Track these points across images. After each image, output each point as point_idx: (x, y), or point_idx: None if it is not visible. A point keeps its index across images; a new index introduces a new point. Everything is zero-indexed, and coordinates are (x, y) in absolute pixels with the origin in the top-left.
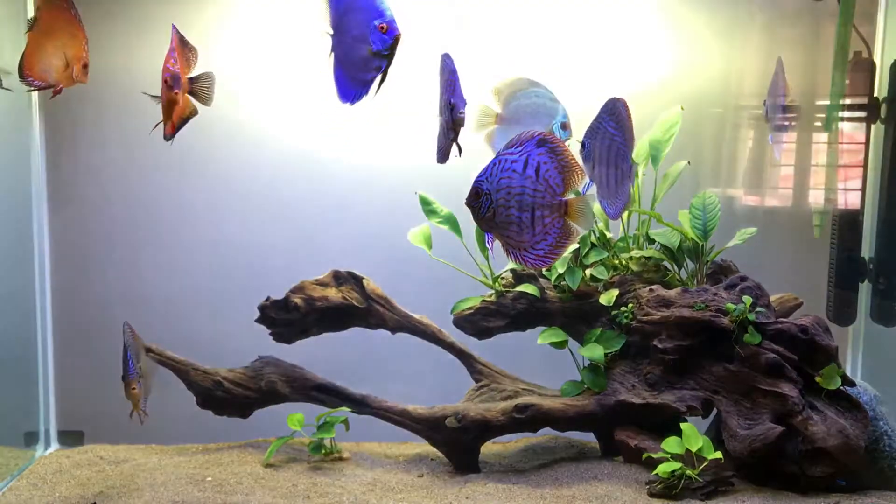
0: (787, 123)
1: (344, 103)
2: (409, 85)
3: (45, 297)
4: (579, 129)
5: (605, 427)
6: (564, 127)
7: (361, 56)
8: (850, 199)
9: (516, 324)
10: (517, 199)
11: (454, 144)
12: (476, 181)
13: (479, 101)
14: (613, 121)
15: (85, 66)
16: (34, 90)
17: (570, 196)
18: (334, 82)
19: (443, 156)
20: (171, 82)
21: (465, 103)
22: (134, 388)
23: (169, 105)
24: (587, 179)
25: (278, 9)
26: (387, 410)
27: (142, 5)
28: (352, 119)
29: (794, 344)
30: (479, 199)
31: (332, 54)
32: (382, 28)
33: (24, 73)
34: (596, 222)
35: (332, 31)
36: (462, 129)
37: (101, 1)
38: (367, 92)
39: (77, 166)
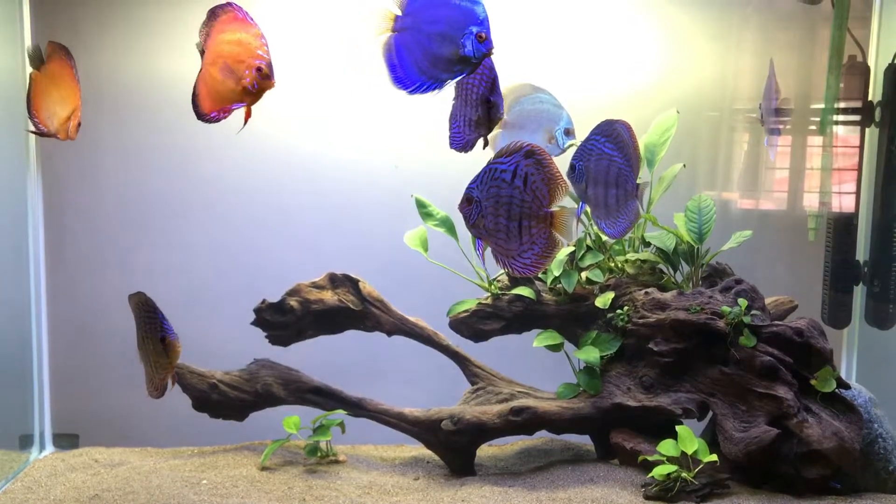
0: (780, 126)
1: (398, 89)
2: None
3: (41, 299)
4: (581, 134)
5: (600, 429)
6: (568, 133)
7: (442, 53)
8: (844, 203)
9: (512, 326)
10: (506, 208)
11: (482, 139)
12: (468, 188)
13: None
14: (611, 142)
15: (79, 125)
16: (36, 134)
17: (556, 208)
18: (390, 64)
19: (465, 147)
20: (268, 71)
21: (503, 102)
22: (178, 347)
23: (258, 94)
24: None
25: (279, 10)
26: (383, 413)
27: (136, 8)
28: (349, 120)
29: (789, 347)
30: (471, 205)
31: (394, 35)
32: (481, 37)
33: (32, 112)
34: (591, 225)
35: (400, 12)
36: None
37: (94, 3)
38: (434, 89)
39: (72, 168)
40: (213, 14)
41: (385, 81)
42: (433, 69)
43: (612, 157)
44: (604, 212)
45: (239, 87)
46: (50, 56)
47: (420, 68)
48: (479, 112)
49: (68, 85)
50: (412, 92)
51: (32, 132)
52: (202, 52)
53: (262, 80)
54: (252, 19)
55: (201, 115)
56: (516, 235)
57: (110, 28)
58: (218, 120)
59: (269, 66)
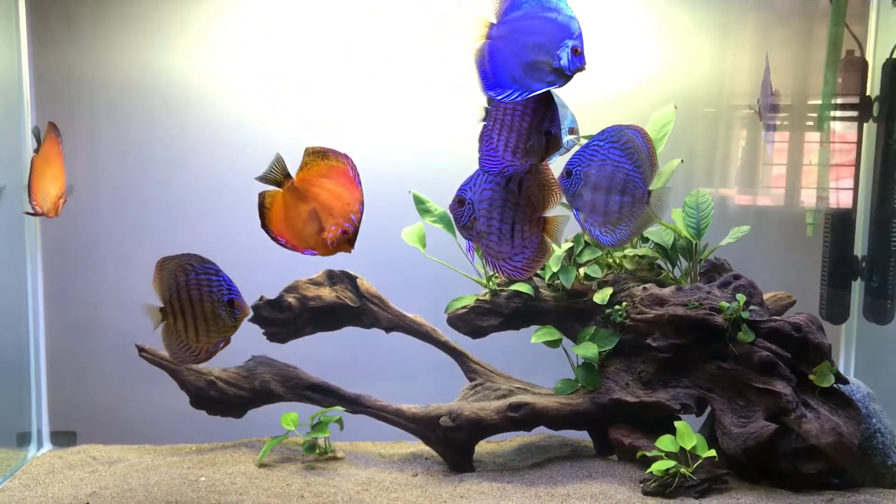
0: (778, 122)
1: (488, 94)
2: (404, 83)
3: (38, 297)
4: (583, 131)
5: (599, 425)
6: (572, 132)
7: (534, 64)
8: (842, 198)
9: (510, 322)
10: (499, 211)
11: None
12: (460, 189)
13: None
14: (618, 148)
15: (64, 202)
16: (32, 215)
17: (549, 214)
18: (482, 70)
19: (501, 172)
20: (352, 236)
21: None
22: (249, 309)
23: (332, 251)
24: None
25: (274, 8)
26: (381, 410)
27: (134, 3)
28: (346, 117)
29: (787, 342)
30: (463, 207)
31: (488, 42)
32: (576, 51)
33: (32, 196)
34: None
35: (496, 20)
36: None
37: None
38: (524, 96)
39: (68, 164)
40: (324, 154)
41: (474, 86)
42: (525, 78)
43: (618, 162)
44: (601, 219)
45: (318, 237)
46: (47, 133)
47: (512, 77)
48: (534, 142)
49: (58, 163)
50: (503, 100)
51: (29, 213)
52: (285, 174)
53: (343, 242)
54: (360, 182)
55: (267, 229)
56: (508, 238)
57: (107, 23)
58: (279, 243)
59: (356, 233)
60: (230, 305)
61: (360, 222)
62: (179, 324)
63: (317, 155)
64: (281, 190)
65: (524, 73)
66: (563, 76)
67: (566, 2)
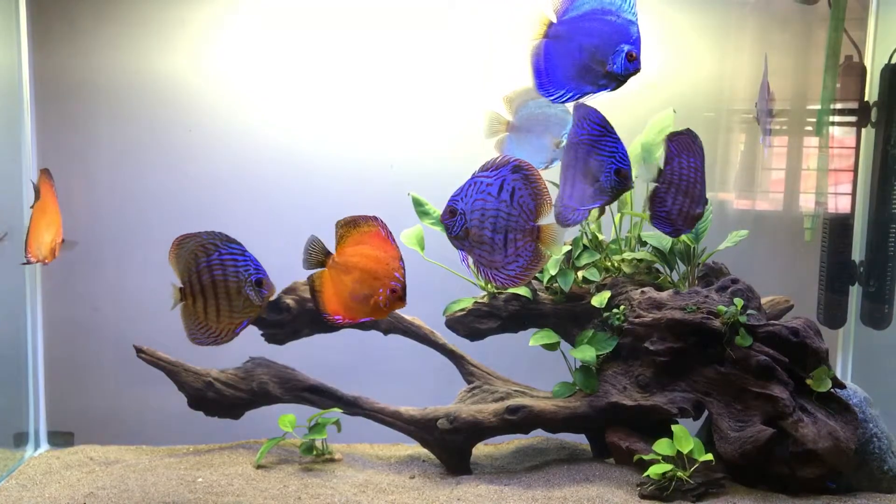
0: (776, 126)
1: (540, 93)
2: (403, 85)
3: (36, 297)
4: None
5: (596, 428)
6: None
7: (591, 66)
8: (840, 203)
9: (508, 325)
10: (491, 221)
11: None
12: (451, 199)
13: (490, 108)
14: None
15: (59, 245)
16: (27, 263)
17: (543, 223)
18: (536, 69)
19: (575, 220)
20: (401, 293)
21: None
22: (274, 288)
23: (387, 311)
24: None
25: (273, 10)
26: (378, 412)
27: (134, 4)
28: (345, 119)
29: (785, 346)
30: (454, 217)
31: (545, 41)
32: (631, 56)
33: (28, 249)
34: (588, 224)
35: (555, 19)
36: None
37: (93, 0)
38: (577, 97)
39: (68, 166)
40: (354, 222)
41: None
42: (578, 80)
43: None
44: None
45: (370, 303)
46: (39, 181)
47: (566, 77)
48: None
49: (53, 209)
50: (555, 100)
51: (24, 264)
52: (326, 253)
53: (395, 300)
54: (394, 239)
55: (324, 314)
56: (501, 248)
57: (107, 25)
58: (341, 324)
59: (404, 288)
60: (258, 285)
61: (404, 276)
62: (199, 304)
63: (348, 225)
64: (325, 269)
65: (578, 75)
66: (616, 80)
67: (630, 4)
